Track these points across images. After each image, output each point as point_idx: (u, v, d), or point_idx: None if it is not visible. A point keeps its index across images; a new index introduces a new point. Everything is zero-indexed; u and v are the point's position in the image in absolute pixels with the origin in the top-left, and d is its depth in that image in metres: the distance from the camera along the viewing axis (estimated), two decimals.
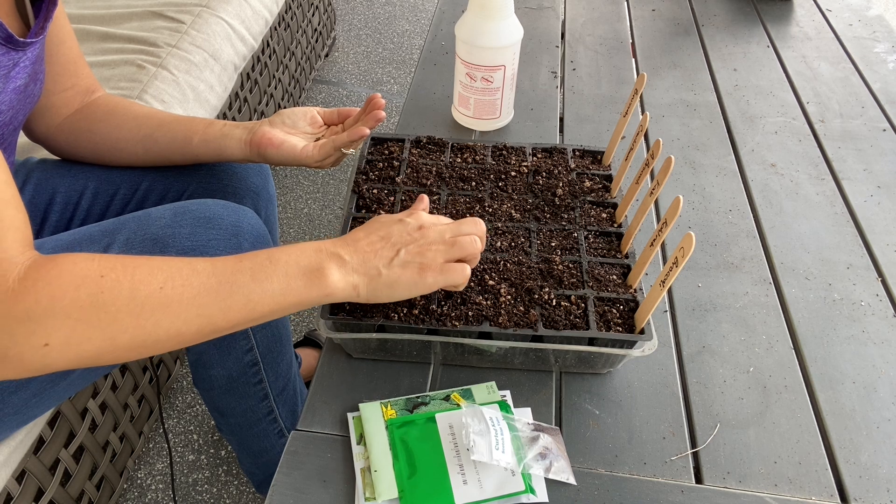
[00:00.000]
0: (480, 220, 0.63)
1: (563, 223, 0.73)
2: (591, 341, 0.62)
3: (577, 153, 0.83)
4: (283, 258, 0.56)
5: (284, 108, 1.84)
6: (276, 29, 1.68)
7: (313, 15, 2.00)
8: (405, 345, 0.65)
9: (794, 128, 1.02)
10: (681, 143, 0.99)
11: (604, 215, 0.74)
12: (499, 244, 0.70)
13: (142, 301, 0.51)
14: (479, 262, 0.67)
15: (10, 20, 0.64)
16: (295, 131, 0.77)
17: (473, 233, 0.61)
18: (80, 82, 0.79)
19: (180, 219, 0.71)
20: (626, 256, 0.70)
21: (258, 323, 0.56)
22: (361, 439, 0.60)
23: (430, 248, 0.59)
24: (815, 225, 0.86)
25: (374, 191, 0.75)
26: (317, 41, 2.08)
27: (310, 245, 0.58)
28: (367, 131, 0.72)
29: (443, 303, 0.64)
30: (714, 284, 0.78)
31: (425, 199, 0.67)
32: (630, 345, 0.62)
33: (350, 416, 0.62)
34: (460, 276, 0.58)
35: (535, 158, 0.81)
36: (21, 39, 0.61)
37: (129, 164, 0.82)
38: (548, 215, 0.74)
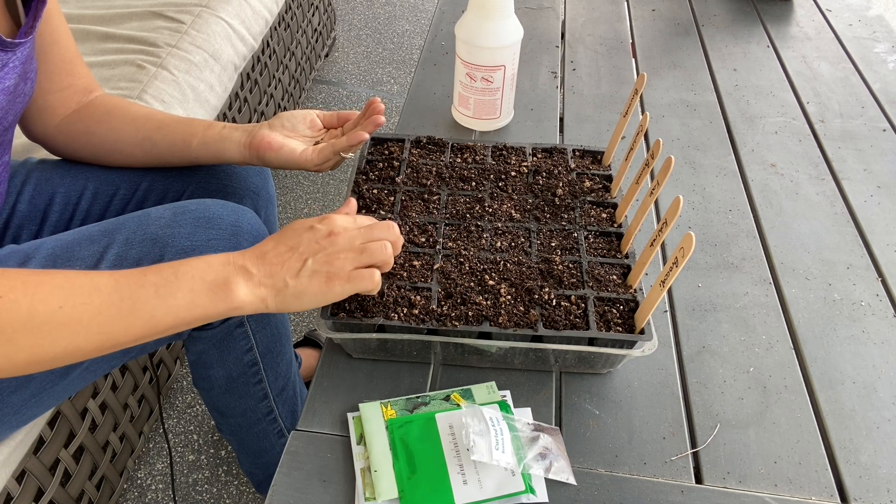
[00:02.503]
0: (394, 224, 0.63)
1: (563, 223, 0.73)
2: (591, 341, 0.62)
3: (577, 153, 0.83)
4: (189, 272, 0.55)
5: (284, 108, 1.84)
6: (276, 29, 1.68)
7: (313, 15, 2.00)
8: (405, 345, 0.65)
9: (794, 128, 1.02)
10: (681, 143, 0.99)
11: (604, 215, 0.74)
12: (499, 244, 0.70)
13: (40, 321, 0.50)
14: (479, 262, 0.67)
15: None
16: (294, 134, 0.77)
17: (385, 238, 0.61)
18: (76, 82, 0.79)
19: (180, 218, 0.71)
20: (626, 256, 0.70)
21: (163, 336, 0.56)
22: (361, 439, 0.60)
23: (338, 257, 0.58)
24: (815, 225, 0.86)
25: (374, 191, 0.75)
26: (317, 41, 2.08)
27: (217, 258, 0.57)
28: (366, 136, 0.72)
29: (443, 303, 0.64)
30: (714, 284, 0.78)
31: (352, 202, 0.67)
32: (630, 345, 0.62)
33: (350, 416, 0.62)
34: (370, 283, 0.58)
35: (535, 158, 0.81)
36: (9, 41, 0.61)
37: (128, 165, 0.82)
38: (548, 215, 0.74)
